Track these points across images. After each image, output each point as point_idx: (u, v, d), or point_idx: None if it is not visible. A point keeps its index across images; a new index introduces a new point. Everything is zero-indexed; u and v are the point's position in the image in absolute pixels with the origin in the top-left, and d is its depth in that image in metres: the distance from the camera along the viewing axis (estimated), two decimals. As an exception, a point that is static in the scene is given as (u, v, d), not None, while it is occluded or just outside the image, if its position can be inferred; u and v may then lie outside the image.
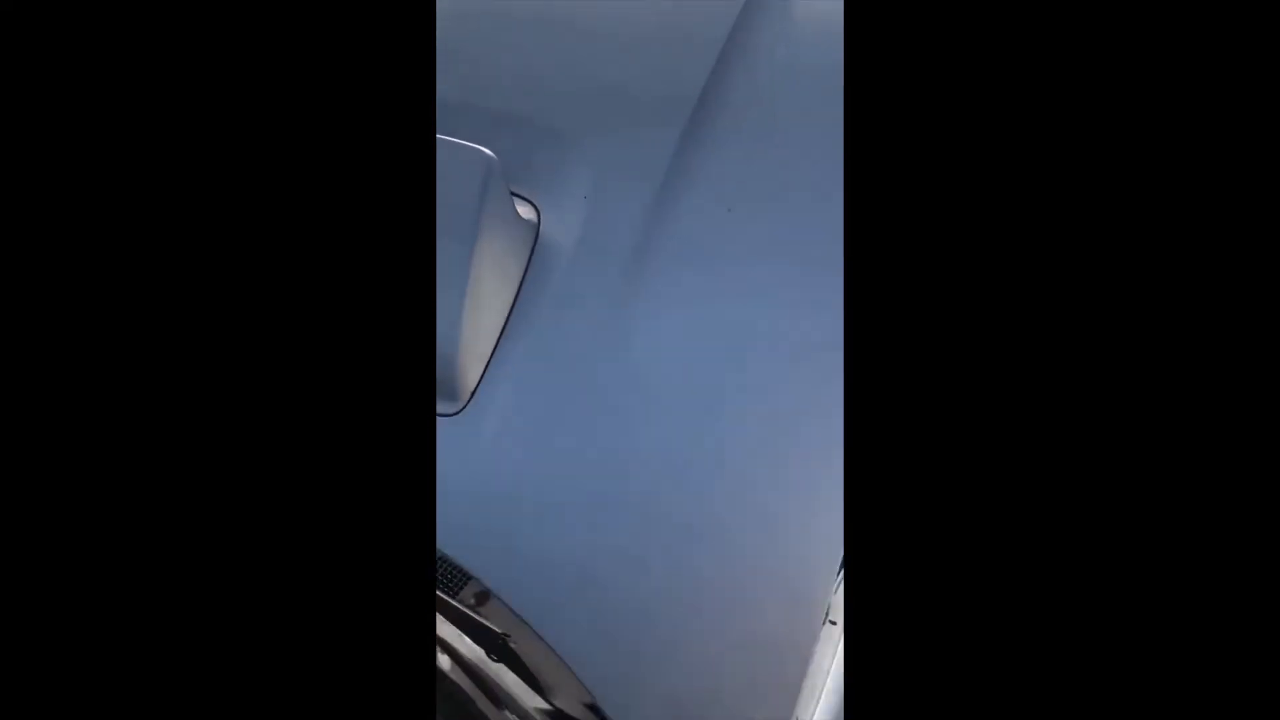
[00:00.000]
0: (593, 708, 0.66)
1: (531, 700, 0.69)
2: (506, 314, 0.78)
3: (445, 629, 0.66)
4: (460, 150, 0.72)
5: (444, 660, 0.65)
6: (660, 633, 0.66)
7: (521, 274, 0.79)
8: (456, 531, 0.69)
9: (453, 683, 0.63)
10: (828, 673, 0.69)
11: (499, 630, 0.67)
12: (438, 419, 0.77)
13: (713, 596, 0.65)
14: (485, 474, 0.76)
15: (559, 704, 0.73)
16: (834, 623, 0.69)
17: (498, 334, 0.79)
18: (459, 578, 0.70)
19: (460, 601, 0.65)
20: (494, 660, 0.68)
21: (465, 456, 0.76)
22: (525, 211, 0.83)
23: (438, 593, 0.67)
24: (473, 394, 0.79)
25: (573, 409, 0.77)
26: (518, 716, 0.65)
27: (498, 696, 0.65)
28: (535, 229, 0.82)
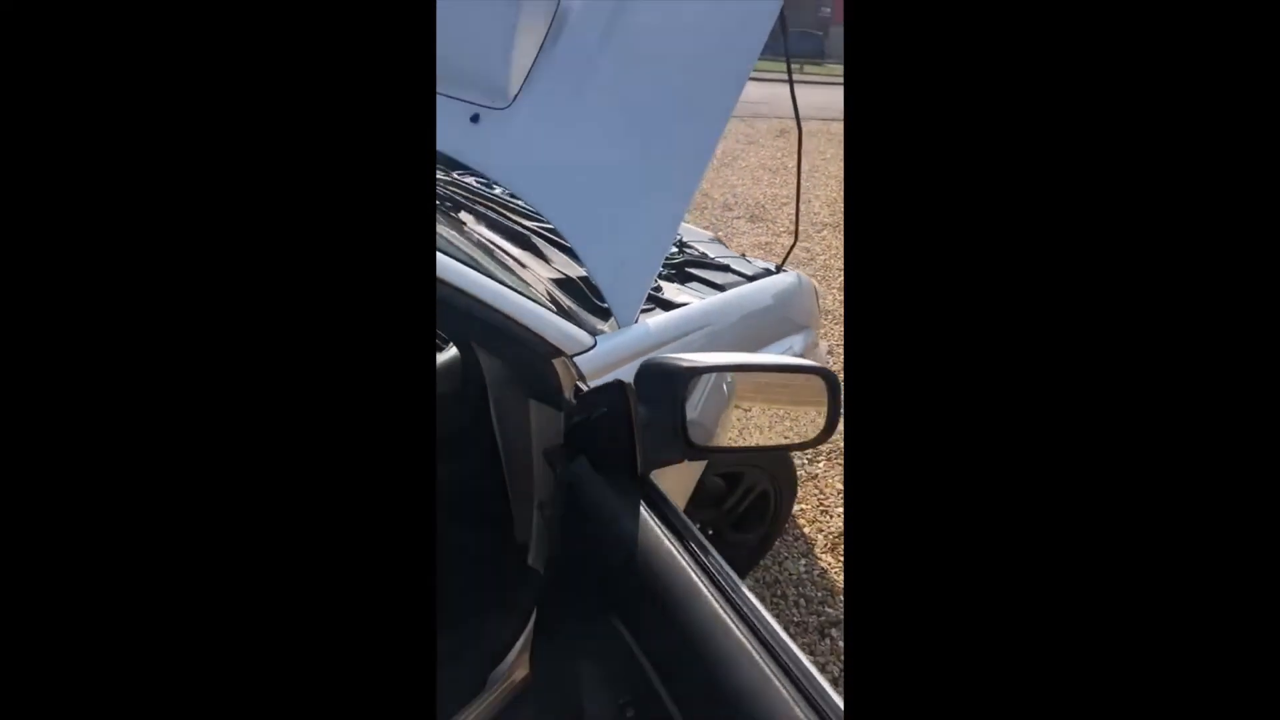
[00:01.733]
0: None
1: None
2: (540, 43, 1.31)
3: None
4: None
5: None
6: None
7: (551, 15, 1.30)
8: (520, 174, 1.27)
9: None
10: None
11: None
12: (497, 110, 1.32)
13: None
14: (523, 140, 1.31)
15: None
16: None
17: (534, 56, 1.32)
18: None
19: None
20: None
21: (511, 136, 1.31)
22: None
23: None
24: (515, 97, 1.33)
25: (570, 111, 1.31)
26: None
27: None
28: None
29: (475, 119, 1.35)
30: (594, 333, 1.11)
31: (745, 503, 1.65)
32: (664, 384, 0.78)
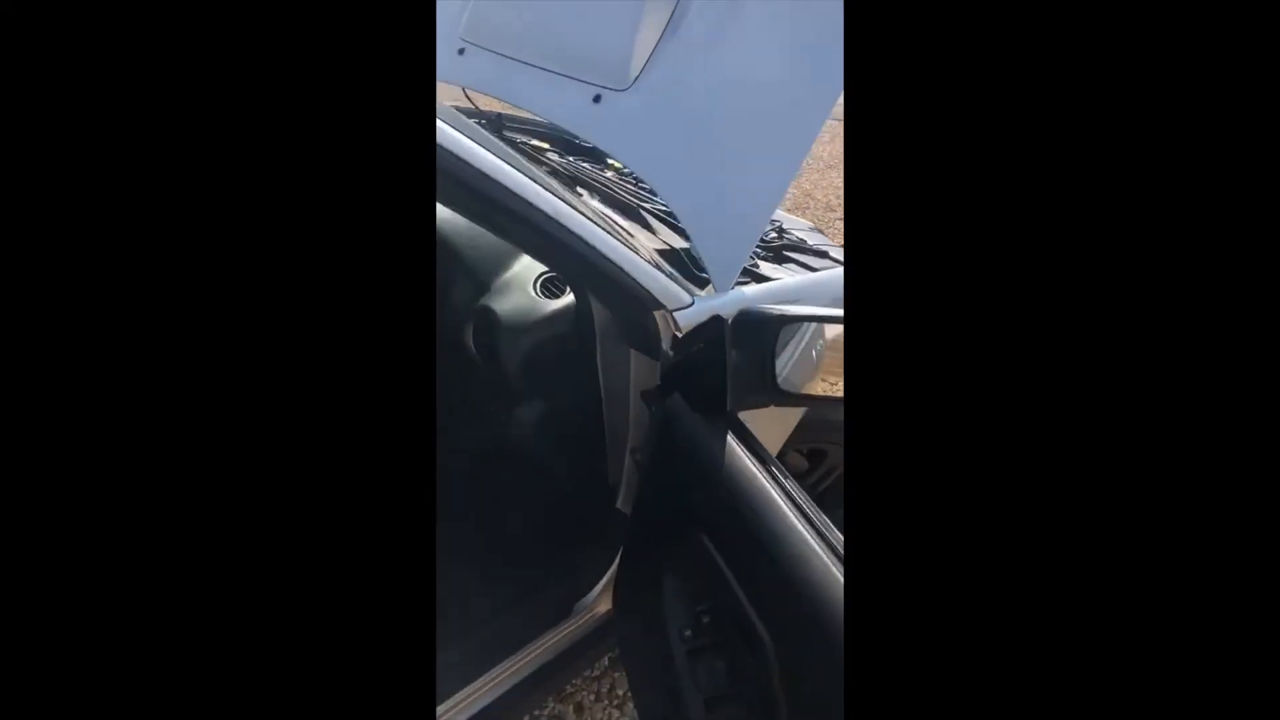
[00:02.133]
0: None
1: None
2: (662, 29, 1.41)
3: None
4: None
5: None
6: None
7: (672, 7, 1.40)
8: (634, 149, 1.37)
9: None
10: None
11: None
12: (617, 91, 1.44)
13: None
14: (639, 119, 1.42)
15: None
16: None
17: (654, 43, 1.42)
18: None
19: None
20: None
21: (629, 115, 1.42)
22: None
23: None
24: (635, 80, 1.44)
25: (684, 95, 1.40)
26: None
27: None
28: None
29: (597, 99, 1.47)
30: (692, 295, 1.19)
31: (826, 482, 1.69)
32: (757, 331, 0.86)
